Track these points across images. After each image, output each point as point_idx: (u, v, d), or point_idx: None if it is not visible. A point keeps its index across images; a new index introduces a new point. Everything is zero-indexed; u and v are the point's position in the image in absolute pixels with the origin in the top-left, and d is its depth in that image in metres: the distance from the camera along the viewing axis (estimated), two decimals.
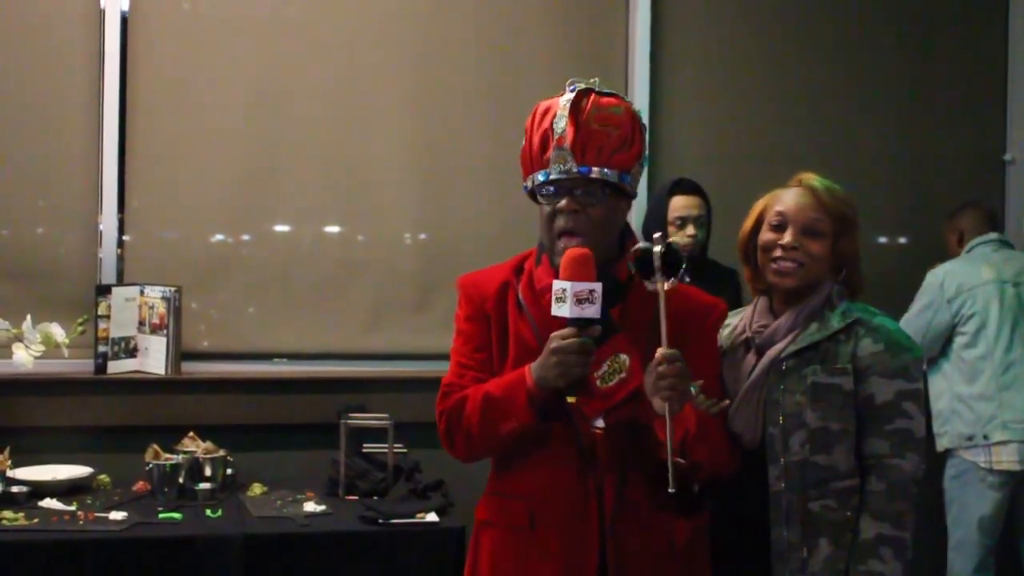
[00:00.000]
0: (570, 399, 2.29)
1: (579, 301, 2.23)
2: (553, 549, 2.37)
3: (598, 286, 2.25)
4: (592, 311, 2.25)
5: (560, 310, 2.26)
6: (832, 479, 2.42)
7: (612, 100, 2.40)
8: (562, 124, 2.33)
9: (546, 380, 2.29)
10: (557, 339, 2.26)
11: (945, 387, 4.36)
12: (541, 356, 2.30)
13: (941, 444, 4.36)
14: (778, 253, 2.50)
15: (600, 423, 2.36)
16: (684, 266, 2.28)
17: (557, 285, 2.26)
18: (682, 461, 2.28)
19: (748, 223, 2.62)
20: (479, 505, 2.54)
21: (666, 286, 2.27)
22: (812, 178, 2.57)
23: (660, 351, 2.23)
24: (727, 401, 2.45)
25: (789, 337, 2.50)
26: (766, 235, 2.54)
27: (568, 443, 2.34)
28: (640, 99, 4.47)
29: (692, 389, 2.36)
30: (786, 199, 2.54)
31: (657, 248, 2.29)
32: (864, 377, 2.43)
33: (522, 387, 2.32)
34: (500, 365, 2.44)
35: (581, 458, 2.36)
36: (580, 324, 2.26)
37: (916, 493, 2.43)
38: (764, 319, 2.56)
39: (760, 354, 2.54)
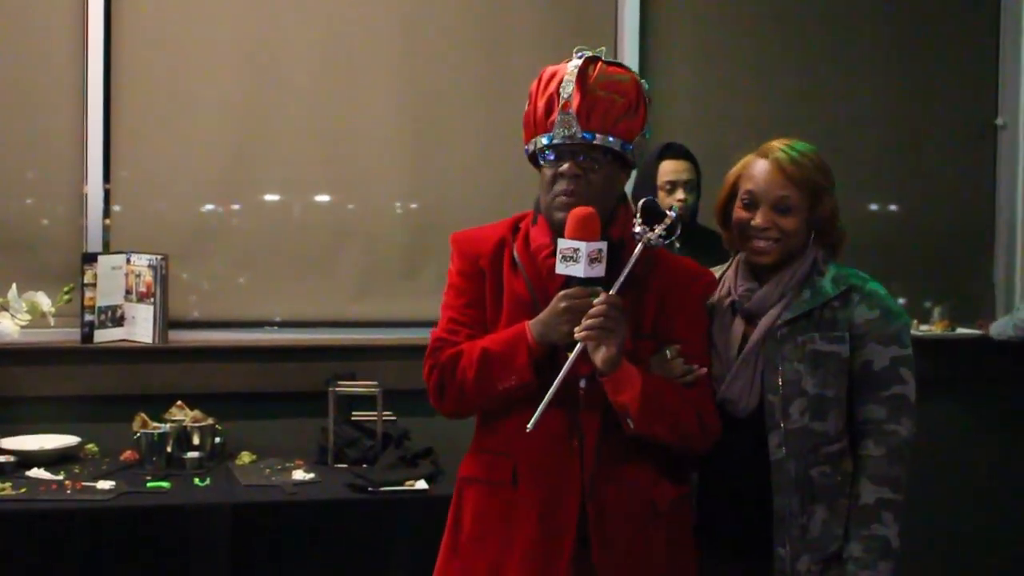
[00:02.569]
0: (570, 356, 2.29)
1: (591, 261, 2.25)
2: (534, 506, 2.37)
3: (604, 245, 2.28)
4: (600, 270, 2.28)
5: (570, 269, 2.27)
6: (824, 444, 2.43)
7: (618, 69, 2.42)
8: (569, 89, 2.34)
9: (548, 337, 2.31)
10: (568, 298, 2.28)
11: None
12: (544, 313, 2.32)
13: None
14: (752, 233, 2.50)
15: (583, 383, 2.35)
16: (675, 234, 2.34)
17: (566, 244, 2.27)
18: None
19: (723, 192, 2.60)
20: (463, 462, 2.54)
21: (652, 237, 2.31)
22: (778, 148, 2.51)
23: (604, 295, 2.26)
24: (703, 369, 2.43)
25: (781, 304, 2.49)
26: (739, 213, 2.52)
27: (554, 401, 2.31)
28: (630, 62, 4.43)
29: (667, 352, 2.39)
30: (755, 175, 2.50)
31: (672, 212, 2.37)
32: (861, 344, 2.45)
33: (523, 344, 2.33)
34: (493, 322, 2.44)
35: (568, 416, 2.36)
36: (589, 283, 2.28)
37: (909, 456, 2.45)
38: (748, 282, 2.54)
39: (749, 320, 2.52)
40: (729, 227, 2.59)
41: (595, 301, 2.25)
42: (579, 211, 2.28)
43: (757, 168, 2.51)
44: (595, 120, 2.34)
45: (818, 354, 2.43)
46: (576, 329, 2.25)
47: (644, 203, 2.34)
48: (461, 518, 2.49)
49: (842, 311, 2.46)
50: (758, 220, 2.48)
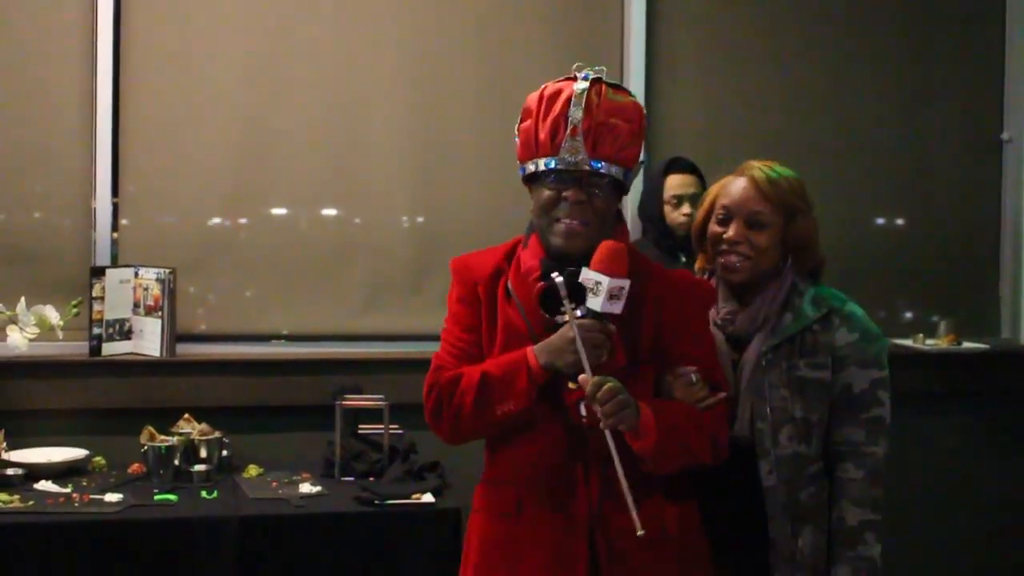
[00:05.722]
0: (572, 385, 2.28)
1: (611, 296, 2.23)
2: (541, 536, 2.35)
3: (627, 283, 2.25)
4: (618, 307, 2.25)
5: (590, 301, 2.24)
6: (807, 465, 2.46)
7: (621, 92, 2.39)
8: (578, 115, 2.30)
9: (555, 364, 2.28)
10: (581, 329, 2.24)
11: None
12: (555, 339, 2.28)
13: None
14: (724, 247, 2.51)
15: (583, 411, 2.30)
16: (587, 293, 2.26)
17: (591, 275, 2.24)
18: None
19: (700, 212, 2.62)
20: (475, 493, 2.53)
21: (578, 313, 2.25)
22: (755, 167, 2.55)
23: (590, 380, 2.20)
24: (723, 394, 2.43)
25: (765, 330, 2.51)
26: (713, 227, 2.55)
27: (556, 429, 2.32)
28: (636, 77, 4.45)
29: (692, 377, 2.37)
30: (731, 191, 2.53)
31: (559, 279, 2.26)
32: (841, 367, 2.48)
33: (523, 369, 2.30)
34: (489, 349, 2.42)
35: (570, 443, 2.35)
36: (601, 317, 2.25)
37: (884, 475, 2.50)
38: (728, 304, 2.55)
39: (732, 342, 2.55)
40: (704, 249, 2.60)
41: (600, 391, 2.19)
42: (610, 245, 2.26)
43: (735, 185, 2.54)
44: (602, 148, 2.31)
45: (803, 380, 2.46)
46: (601, 424, 2.20)
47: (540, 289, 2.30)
48: (469, 550, 2.49)
49: (823, 334, 2.48)
50: (730, 233, 2.50)
